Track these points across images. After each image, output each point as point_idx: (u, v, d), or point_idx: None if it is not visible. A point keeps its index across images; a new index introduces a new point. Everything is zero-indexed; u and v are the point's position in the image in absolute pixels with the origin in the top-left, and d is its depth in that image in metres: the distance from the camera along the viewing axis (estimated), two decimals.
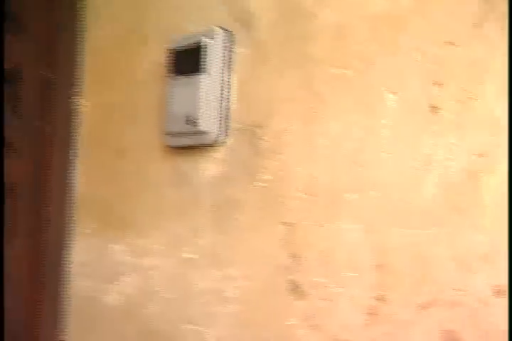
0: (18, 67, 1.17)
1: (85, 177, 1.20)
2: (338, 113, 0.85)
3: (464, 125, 0.77)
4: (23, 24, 1.18)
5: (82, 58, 1.23)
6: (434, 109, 0.79)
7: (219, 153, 0.97)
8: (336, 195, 0.84)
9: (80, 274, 1.18)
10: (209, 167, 0.98)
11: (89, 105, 1.23)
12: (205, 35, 0.94)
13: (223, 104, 0.94)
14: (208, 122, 0.94)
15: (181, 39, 0.98)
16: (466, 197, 0.77)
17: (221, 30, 0.94)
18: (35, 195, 1.19)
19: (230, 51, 0.95)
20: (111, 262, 1.12)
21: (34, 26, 1.19)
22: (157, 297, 1.03)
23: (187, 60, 0.95)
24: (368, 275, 0.80)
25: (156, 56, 1.08)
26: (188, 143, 0.97)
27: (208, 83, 0.93)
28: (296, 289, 0.86)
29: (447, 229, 0.77)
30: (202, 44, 0.93)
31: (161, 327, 1.02)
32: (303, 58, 0.88)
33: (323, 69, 0.86)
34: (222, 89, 0.94)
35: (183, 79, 0.97)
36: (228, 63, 0.94)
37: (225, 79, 0.94)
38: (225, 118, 0.95)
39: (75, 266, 1.19)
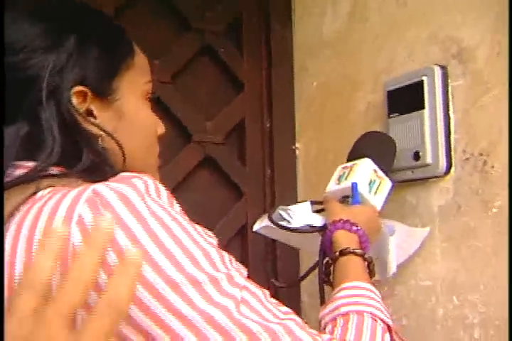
0: (242, 121, 1.33)
1: None
2: None
3: None
4: (244, 84, 1.35)
5: (295, 108, 1.36)
6: None
7: (446, 184, 1.01)
8: None
9: None
10: (438, 197, 1.02)
11: (304, 149, 1.35)
12: (424, 74, 1.00)
13: (446, 136, 0.99)
14: (434, 155, 0.99)
15: (398, 80, 1.06)
16: None
17: (438, 67, 1.00)
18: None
19: (448, 85, 1.00)
20: None
21: (252, 85, 1.35)
22: (396, 324, 1.08)
23: (408, 99, 1.02)
24: None
25: (369, 98, 1.17)
26: (414, 177, 1.03)
27: (430, 118, 0.99)
28: None
29: None
30: (422, 82, 1.00)
31: None
32: None
33: None
34: (444, 122, 0.99)
35: (403, 117, 1.04)
36: (447, 97, 1.00)
37: (446, 112, 0.99)
38: (449, 149, 0.99)
39: None
